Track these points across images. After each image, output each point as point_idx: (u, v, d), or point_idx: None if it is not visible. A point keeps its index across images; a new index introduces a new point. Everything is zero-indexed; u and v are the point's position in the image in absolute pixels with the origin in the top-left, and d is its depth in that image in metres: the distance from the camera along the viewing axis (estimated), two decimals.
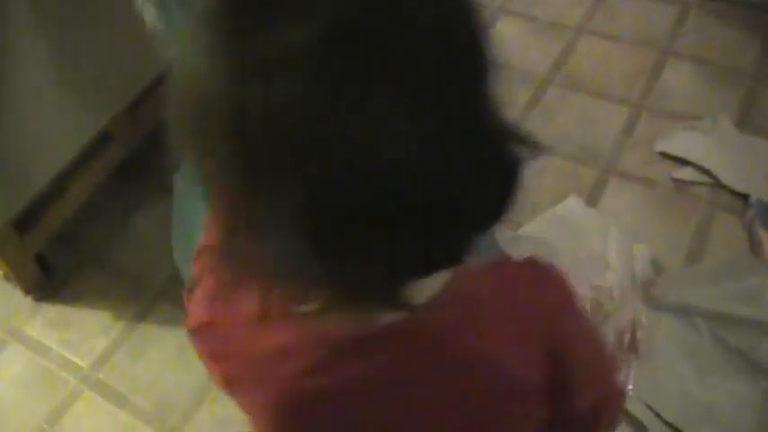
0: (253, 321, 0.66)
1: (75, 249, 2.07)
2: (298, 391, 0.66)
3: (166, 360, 1.83)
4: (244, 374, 0.71)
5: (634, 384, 1.60)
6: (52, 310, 1.97)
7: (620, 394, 0.90)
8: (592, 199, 1.98)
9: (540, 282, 0.71)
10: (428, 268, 0.58)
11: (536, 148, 0.57)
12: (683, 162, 2.02)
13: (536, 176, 2.04)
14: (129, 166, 2.10)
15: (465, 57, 0.53)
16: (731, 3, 2.39)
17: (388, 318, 0.62)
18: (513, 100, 2.26)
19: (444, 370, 0.66)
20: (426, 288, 0.62)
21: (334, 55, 0.46)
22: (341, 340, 0.63)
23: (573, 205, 1.92)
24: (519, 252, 1.75)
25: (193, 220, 1.03)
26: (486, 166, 0.55)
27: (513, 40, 2.43)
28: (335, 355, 0.64)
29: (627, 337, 1.65)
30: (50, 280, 2.01)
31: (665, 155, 2.05)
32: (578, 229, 1.84)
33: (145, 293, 1.95)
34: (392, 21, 0.49)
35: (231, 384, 0.74)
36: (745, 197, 1.92)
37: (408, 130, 0.49)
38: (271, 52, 0.47)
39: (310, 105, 0.47)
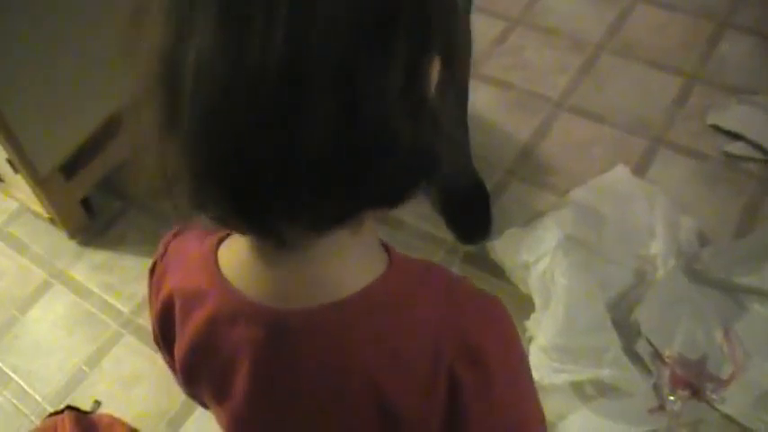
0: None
1: (121, 195, 2.09)
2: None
3: None
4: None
5: None
6: (95, 255, 1.99)
7: None
8: (640, 169, 1.95)
9: (484, 317, 0.65)
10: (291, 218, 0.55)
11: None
12: (735, 136, 1.98)
13: (585, 144, 2.02)
14: None
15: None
16: None
17: (299, 303, 0.61)
18: (564, 66, 2.22)
19: (315, 373, 0.64)
20: (340, 281, 0.61)
21: None
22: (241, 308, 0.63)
23: (620, 174, 1.89)
24: (564, 219, 1.74)
25: None
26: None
27: (567, 4, 2.39)
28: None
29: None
30: (95, 225, 2.04)
31: (717, 128, 2.01)
32: (625, 198, 1.81)
33: None
34: None
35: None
36: None
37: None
38: None
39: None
